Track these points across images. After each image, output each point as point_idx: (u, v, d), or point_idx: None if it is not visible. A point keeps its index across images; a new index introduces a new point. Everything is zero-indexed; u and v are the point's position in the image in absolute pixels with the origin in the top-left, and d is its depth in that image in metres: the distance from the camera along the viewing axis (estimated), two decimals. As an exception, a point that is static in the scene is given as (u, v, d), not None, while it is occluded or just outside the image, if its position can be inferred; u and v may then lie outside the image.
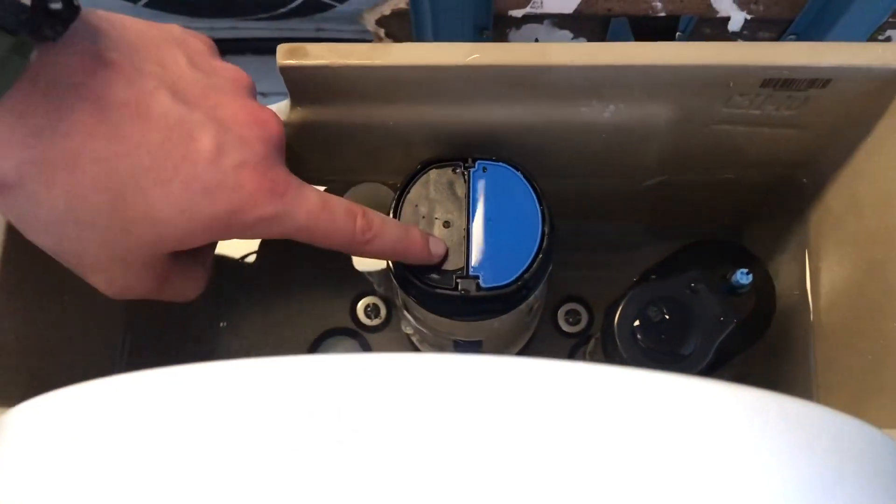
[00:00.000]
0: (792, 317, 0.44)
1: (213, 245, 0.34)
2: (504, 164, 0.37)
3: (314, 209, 0.30)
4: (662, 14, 0.62)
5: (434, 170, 0.37)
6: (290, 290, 0.53)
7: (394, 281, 0.38)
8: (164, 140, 0.27)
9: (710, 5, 0.62)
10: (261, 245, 0.52)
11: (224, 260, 0.51)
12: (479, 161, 0.37)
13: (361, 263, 0.43)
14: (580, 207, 0.45)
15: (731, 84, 0.35)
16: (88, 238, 0.27)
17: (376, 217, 0.33)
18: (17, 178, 0.25)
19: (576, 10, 0.61)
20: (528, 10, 0.61)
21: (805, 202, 0.43)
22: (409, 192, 0.37)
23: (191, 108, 0.28)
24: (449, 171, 0.37)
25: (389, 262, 0.38)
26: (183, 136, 0.27)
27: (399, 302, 0.43)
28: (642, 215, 0.50)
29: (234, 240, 0.50)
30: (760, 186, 0.45)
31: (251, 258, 0.52)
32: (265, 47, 0.74)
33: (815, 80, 0.34)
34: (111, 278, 0.29)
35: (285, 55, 0.34)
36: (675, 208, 0.47)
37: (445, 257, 0.36)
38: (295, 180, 0.30)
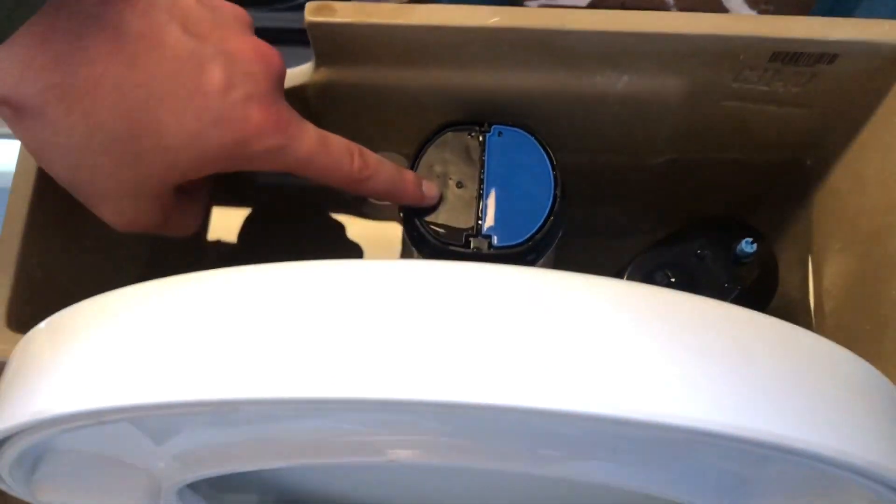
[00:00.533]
0: (793, 303, 0.45)
1: (211, 183, 0.35)
2: (519, 129, 0.38)
3: (314, 144, 0.32)
4: (674, 10, 0.63)
5: (450, 132, 0.39)
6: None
7: (407, 243, 0.39)
8: (177, 71, 0.28)
9: (720, 3, 0.63)
10: (267, 231, 0.53)
11: (229, 246, 0.52)
12: (494, 125, 0.38)
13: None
14: (588, 187, 0.46)
15: (742, 57, 0.36)
16: (103, 166, 0.29)
17: (372, 157, 0.34)
18: (39, 103, 0.26)
19: (590, 4, 0.62)
20: (543, 1, 0.63)
21: (809, 186, 0.44)
22: (425, 154, 0.38)
23: (201, 41, 0.29)
24: (465, 134, 0.38)
25: (403, 222, 0.39)
26: (194, 67, 0.28)
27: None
28: (649, 198, 0.50)
29: (239, 228, 0.52)
30: (766, 169, 0.46)
31: (257, 244, 0.53)
32: (280, 38, 0.76)
33: (823, 56, 0.36)
34: (120, 209, 0.31)
35: (313, 12, 0.35)
36: (681, 191, 0.48)
37: (439, 202, 0.37)
38: (296, 115, 0.32)
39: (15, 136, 0.29)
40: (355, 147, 0.34)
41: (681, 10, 0.64)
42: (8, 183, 0.35)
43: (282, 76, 0.32)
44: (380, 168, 0.35)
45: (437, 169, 0.38)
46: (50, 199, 0.34)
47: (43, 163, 0.29)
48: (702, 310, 0.21)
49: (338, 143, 0.33)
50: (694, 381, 0.19)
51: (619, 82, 0.38)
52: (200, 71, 0.29)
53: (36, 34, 0.25)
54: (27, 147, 0.29)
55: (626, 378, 0.19)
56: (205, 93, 0.29)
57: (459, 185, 0.37)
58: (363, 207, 0.50)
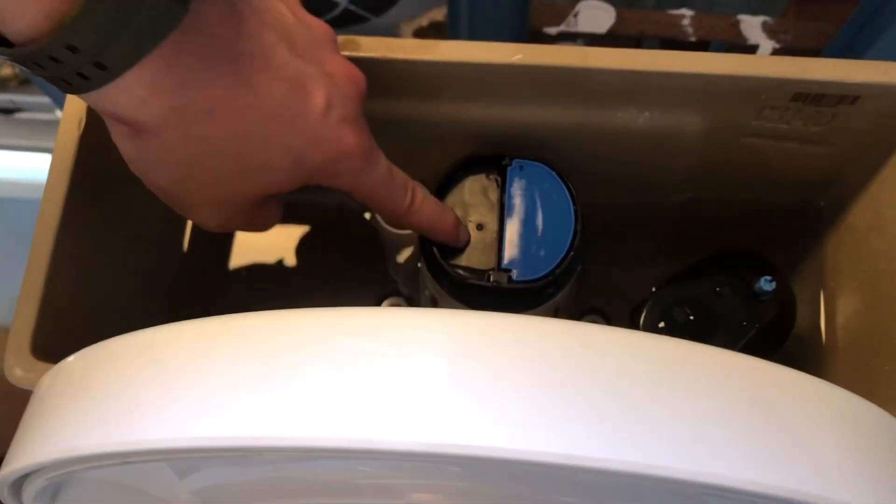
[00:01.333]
0: (806, 340, 0.45)
1: None
2: (540, 164, 0.38)
3: (384, 173, 0.33)
4: (693, 39, 0.64)
5: (470, 177, 0.39)
6: (314, 290, 0.54)
7: (425, 274, 0.39)
8: (285, 92, 0.28)
9: (739, 32, 0.63)
10: (285, 247, 0.53)
11: (248, 261, 0.53)
12: (516, 159, 0.38)
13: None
14: (607, 221, 0.46)
15: (763, 96, 0.36)
16: (207, 181, 0.29)
17: (420, 193, 0.35)
18: (160, 124, 0.27)
19: (609, 30, 0.63)
20: (562, 28, 0.63)
21: (826, 224, 0.44)
22: (445, 199, 0.39)
23: (304, 61, 0.29)
24: (483, 177, 0.39)
25: (421, 256, 0.39)
26: (300, 88, 0.29)
27: (424, 296, 0.44)
28: (666, 232, 0.50)
29: (259, 242, 0.52)
30: (783, 206, 0.46)
31: (276, 259, 0.53)
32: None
33: (845, 97, 0.36)
34: (214, 215, 0.32)
35: (339, 46, 0.35)
36: (698, 227, 0.48)
37: (467, 244, 0.38)
38: (374, 142, 0.32)
39: (118, 146, 0.29)
40: (411, 182, 0.35)
41: (699, 38, 0.64)
42: (37, 194, 0.35)
43: (365, 98, 0.33)
44: (425, 204, 0.36)
45: (458, 212, 0.38)
46: (76, 228, 0.35)
47: (145, 174, 0.30)
48: (725, 364, 0.21)
49: (400, 176, 0.34)
50: (714, 438, 0.20)
51: (640, 118, 0.38)
52: (305, 92, 0.29)
53: (164, 57, 0.25)
54: (130, 158, 0.29)
55: (650, 434, 0.19)
56: (308, 113, 0.29)
57: (479, 227, 0.38)
58: (380, 234, 0.51)
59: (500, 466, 0.22)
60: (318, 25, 0.32)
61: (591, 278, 0.44)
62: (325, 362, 0.20)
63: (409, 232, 0.43)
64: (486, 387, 0.19)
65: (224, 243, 0.52)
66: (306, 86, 0.29)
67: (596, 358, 0.20)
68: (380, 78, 0.37)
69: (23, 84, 0.90)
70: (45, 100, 0.90)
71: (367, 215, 0.53)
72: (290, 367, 0.20)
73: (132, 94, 0.26)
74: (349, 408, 0.19)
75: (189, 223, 0.49)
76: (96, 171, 0.37)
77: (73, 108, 0.36)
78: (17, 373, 0.32)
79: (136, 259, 0.33)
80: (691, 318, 0.37)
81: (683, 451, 0.19)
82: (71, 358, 0.25)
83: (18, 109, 0.94)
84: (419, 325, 0.20)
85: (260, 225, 0.34)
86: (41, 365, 0.32)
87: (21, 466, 0.23)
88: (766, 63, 0.35)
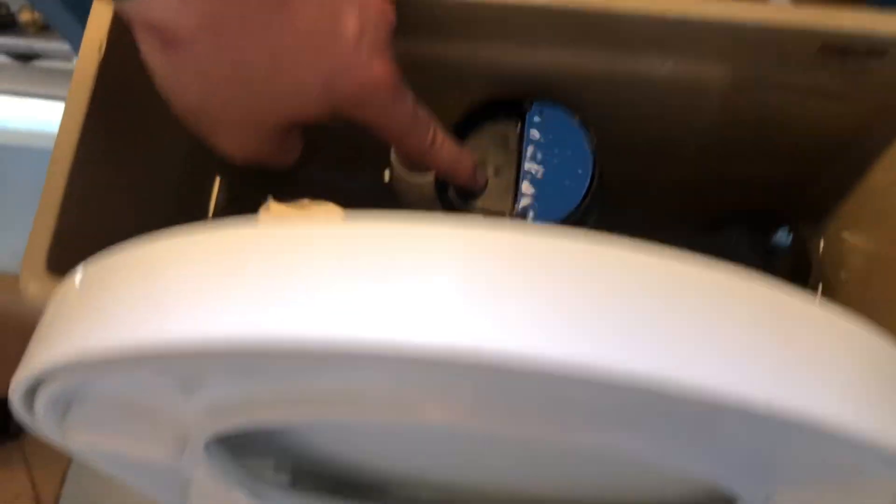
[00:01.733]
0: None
1: None
2: (560, 108, 0.38)
3: (410, 108, 0.33)
4: None
5: (488, 121, 0.39)
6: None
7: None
8: (318, 15, 0.29)
9: None
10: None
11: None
12: (535, 103, 0.38)
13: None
14: (624, 173, 0.45)
15: (789, 47, 0.35)
16: (237, 99, 0.29)
17: (441, 132, 0.35)
18: (192, 34, 0.27)
19: None
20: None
21: (846, 182, 0.44)
22: (464, 143, 0.38)
23: None
24: (502, 121, 0.39)
25: (437, 200, 0.39)
26: (333, 12, 0.29)
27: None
28: (682, 193, 0.50)
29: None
30: (800, 167, 0.45)
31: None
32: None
33: (872, 51, 0.35)
34: (240, 140, 0.31)
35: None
36: (714, 183, 0.48)
37: (484, 187, 0.38)
38: (402, 77, 0.32)
39: (149, 61, 0.29)
40: (433, 120, 0.35)
41: None
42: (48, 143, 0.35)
43: (393, 30, 0.32)
44: (445, 144, 0.36)
45: (475, 157, 0.38)
46: (96, 152, 0.35)
47: (173, 90, 0.30)
48: (745, 283, 0.21)
49: (424, 113, 0.34)
50: (730, 353, 0.19)
51: (663, 67, 0.38)
52: (338, 17, 0.29)
53: None
54: (160, 73, 0.29)
55: (668, 345, 0.19)
56: (340, 39, 0.29)
57: (497, 172, 0.38)
58: (394, 185, 0.51)
59: (512, 382, 0.22)
60: None
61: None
62: (337, 265, 0.20)
63: (425, 179, 0.43)
64: (499, 293, 0.19)
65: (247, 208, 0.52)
66: (339, 11, 0.29)
67: (613, 269, 0.20)
68: (400, 15, 0.36)
69: (42, 30, 0.89)
70: (65, 47, 0.89)
71: (386, 174, 0.54)
72: (304, 268, 0.20)
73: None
74: (362, 309, 0.19)
75: (216, 185, 0.49)
76: (115, 102, 0.36)
77: (94, 33, 0.36)
78: (32, 289, 0.32)
79: (158, 205, 0.32)
80: (706, 268, 0.37)
81: (698, 364, 0.19)
82: (83, 266, 0.25)
83: (37, 56, 0.94)
84: (435, 232, 0.20)
85: (282, 156, 0.34)
86: (57, 281, 0.32)
87: (33, 369, 0.23)
88: (791, 13, 0.34)
